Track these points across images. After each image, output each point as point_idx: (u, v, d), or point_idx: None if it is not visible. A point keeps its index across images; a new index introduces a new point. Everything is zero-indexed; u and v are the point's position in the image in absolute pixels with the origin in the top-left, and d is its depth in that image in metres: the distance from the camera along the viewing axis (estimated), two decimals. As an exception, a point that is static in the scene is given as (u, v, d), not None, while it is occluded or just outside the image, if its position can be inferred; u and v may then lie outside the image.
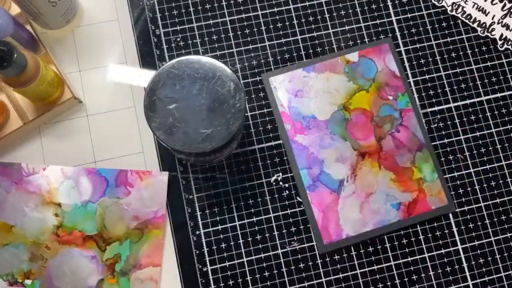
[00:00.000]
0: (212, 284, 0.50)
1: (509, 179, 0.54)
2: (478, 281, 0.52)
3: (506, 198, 0.54)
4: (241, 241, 0.51)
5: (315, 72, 0.55)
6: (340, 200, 0.52)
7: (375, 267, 0.52)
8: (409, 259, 0.52)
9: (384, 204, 0.52)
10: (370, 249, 0.52)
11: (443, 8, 0.58)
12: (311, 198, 0.52)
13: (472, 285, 0.52)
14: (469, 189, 0.54)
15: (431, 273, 0.52)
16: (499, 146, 0.55)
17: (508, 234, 0.53)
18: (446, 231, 0.53)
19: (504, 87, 0.56)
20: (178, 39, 0.55)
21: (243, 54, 0.55)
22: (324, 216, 0.52)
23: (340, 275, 0.51)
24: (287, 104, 0.54)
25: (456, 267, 0.52)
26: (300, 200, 0.52)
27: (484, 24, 0.57)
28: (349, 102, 0.55)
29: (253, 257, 0.51)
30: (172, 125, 0.43)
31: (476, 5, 0.57)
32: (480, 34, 0.57)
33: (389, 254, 0.52)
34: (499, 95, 0.56)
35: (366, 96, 0.55)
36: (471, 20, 0.57)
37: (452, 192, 0.54)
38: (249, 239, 0.51)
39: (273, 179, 0.53)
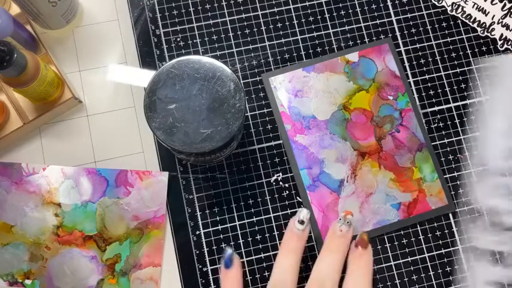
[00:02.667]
0: (212, 284, 0.50)
1: (509, 179, 0.55)
2: (478, 281, 0.52)
3: (506, 198, 0.54)
4: (241, 241, 0.51)
5: (315, 72, 0.55)
6: (340, 200, 0.52)
7: (375, 267, 0.52)
8: (409, 259, 0.52)
9: (384, 204, 0.52)
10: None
11: (443, 8, 0.58)
12: (311, 198, 0.52)
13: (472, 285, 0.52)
14: (469, 189, 0.54)
15: (431, 273, 0.52)
16: (499, 146, 0.55)
17: (508, 234, 0.53)
18: (446, 231, 0.53)
19: (504, 87, 0.56)
20: (178, 39, 0.55)
21: (243, 54, 0.55)
22: (324, 216, 0.52)
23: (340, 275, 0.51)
24: (287, 104, 0.54)
25: (456, 267, 0.52)
26: (300, 199, 0.52)
27: (484, 24, 0.57)
28: (349, 102, 0.55)
29: (253, 257, 0.51)
30: (172, 125, 0.43)
31: (476, 5, 0.57)
32: (480, 34, 0.57)
33: (390, 254, 0.52)
34: (499, 95, 0.56)
35: (366, 96, 0.55)
36: (471, 20, 0.57)
37: (452, 192, 0.54)
38: (249, 239, 0.51)
39: (273, 179, 0.53)
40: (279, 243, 0.52)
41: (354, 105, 0.54)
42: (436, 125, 0.55)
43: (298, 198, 0.52)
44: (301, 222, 0.46)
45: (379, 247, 0.52)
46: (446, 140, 0.55)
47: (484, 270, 0.48)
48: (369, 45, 0.56)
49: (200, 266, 0.51)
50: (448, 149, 0.55)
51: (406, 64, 0.56)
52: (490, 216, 0.51)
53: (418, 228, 0.53)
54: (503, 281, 0.49)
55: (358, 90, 0.55)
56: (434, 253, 0.52)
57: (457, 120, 0.55)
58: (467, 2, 0.57)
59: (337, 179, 0.53)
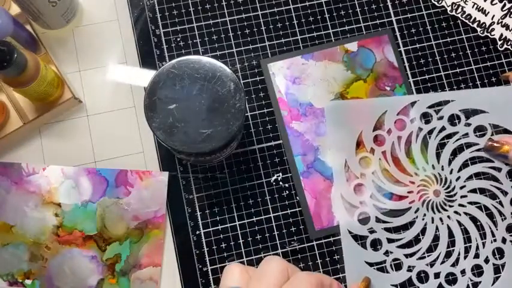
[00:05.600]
0: (212, 284, 0.50)
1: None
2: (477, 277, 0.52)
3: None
4: (241, 241, 0.51)
5: (314, 60, 0.55)
6: (333, 188, 0.52)
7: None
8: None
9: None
10: (370, 249, 0.52)
11: (443, 8, 0.58)
12: (304, 185, 0.52)
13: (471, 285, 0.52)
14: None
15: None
16: (498, 146, 0.55)
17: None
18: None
19: (504, 87, 0.56)
20: (178, 39, 0.55)
21: (243, 54, 0.55)
22: (316, 202, 0.52)
23: (340, 275, 0.51)
24: (284, 91, 0.54)
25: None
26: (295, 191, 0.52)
27: (484, 24, 0.57)
28: (346, 91, 0.55)
29: (253, 257, 0.51)
30: (172, 125, 0.43)
31: (476, 5, 0.57)
32: (480, 34, 0.57)
33: (389, 254, 0.52)
34: (498, 95, 0.56)
35: (363, 86, 0.55)
36: (471, 20, 0.57)
37: (452, 192, 0.54)
38: (249, 239, 0.51)
39: (273, 179, 0.53)
40: (279, 243, 0.52)
41: (351, 95, 0.55)
42: (436, 125, 0.55)
43: (295, 195, 0.52)
44: None
45: (379, 247, 0.52)
46: (446, 140, 0.55)
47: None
48: (368, 36, 0.56)
49: (200, 266, 0.51)
50: (448, 149, 0.55)
51: (406, 64, 0.56)
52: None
53: (418, 228, 0.52)
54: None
55: (355, 79, 0.55)
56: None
57: (456, 121, 0.55)
58: (467, 2, 0.57)
59: (331, 166, 0.53)
